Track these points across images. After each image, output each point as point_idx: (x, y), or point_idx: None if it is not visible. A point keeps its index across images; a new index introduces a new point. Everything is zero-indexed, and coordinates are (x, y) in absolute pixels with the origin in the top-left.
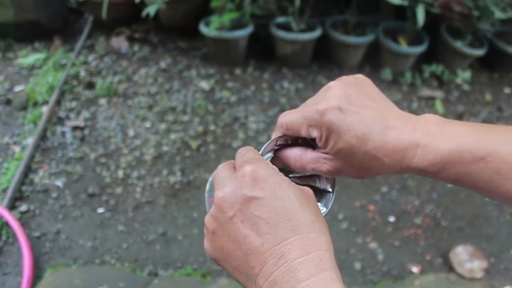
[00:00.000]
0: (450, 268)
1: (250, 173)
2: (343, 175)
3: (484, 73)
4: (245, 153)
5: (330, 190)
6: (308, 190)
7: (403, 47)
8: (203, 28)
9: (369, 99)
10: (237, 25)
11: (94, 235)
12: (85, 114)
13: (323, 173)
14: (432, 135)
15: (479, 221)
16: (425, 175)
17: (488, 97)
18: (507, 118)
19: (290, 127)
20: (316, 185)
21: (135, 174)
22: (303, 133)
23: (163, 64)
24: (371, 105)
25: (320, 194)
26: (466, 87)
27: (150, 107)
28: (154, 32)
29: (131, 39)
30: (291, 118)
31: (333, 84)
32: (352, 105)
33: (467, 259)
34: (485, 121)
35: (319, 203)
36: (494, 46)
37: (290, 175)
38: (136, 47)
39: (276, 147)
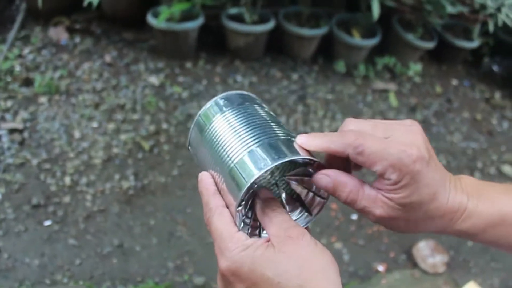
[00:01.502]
0: (414, 264)
1: (229, 271)
2: (387, 225)
3: (433, 65)
4: (210, 217)
5: (325, 197)
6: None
7: (357, 39)
8: (151, 19)
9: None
10: (187, 16)
11: (42, 252)
12: (24, 114)
13: (372, 216)
14: (475, 197)
15: None
16: (464, 237)
17: (438, 89)
18: (456, 110)
19: (367, 154)
20: (313, 190)
21: (84, 180)
22: (377, 168)
23: (108, 58)
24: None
25: (309, 200)
26: (417, 79)
27: (96, 105)
28: (97, 23)
29: (71, 30)
30: (375, 147)
31: (416, 128)
32: (432, 159)
33: (429, 254)
34: (437, 113)
35: (304, 213)
36: (443, 39)
37: (288, 174)
38: (77, 39)
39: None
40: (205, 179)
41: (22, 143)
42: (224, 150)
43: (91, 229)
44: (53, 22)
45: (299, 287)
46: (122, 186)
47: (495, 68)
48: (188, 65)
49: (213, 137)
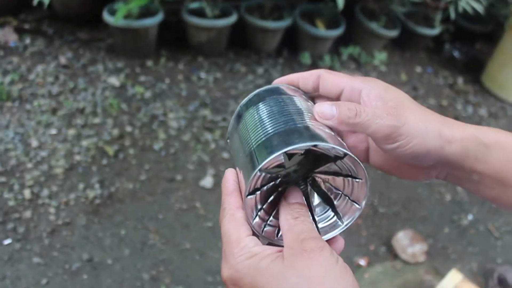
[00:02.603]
0: (394, 255)
1: (230, 280)
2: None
3: (397, 53)
4: (226, 213)
5: (360, 204)
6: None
7: (321, 30)
8: (107, 17)
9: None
10: (145, 12)
11: (3, 274)
12: None
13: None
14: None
15: (413, 204)
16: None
17: (404, 77)
18: (423, 97)
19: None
20: (345, 193)
21: (45, 192)
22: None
23: (63, 59)
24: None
25: (342, 206)
26: (382, 68)
27: (53, 111)
28: (48, 22)
29: (20, 31)
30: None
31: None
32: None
33: (408, 244)
34: None
35: (334, 220)
36: (405, 27)
37: (318, 171)
38: (27, 40)
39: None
40: (227, 175)
41: None
42: (249, 137)
43: (57, 244)
44: None
45: None
46: (87, 196)
47: (455, 54)
48: (149, 63)
49: (242, 127)
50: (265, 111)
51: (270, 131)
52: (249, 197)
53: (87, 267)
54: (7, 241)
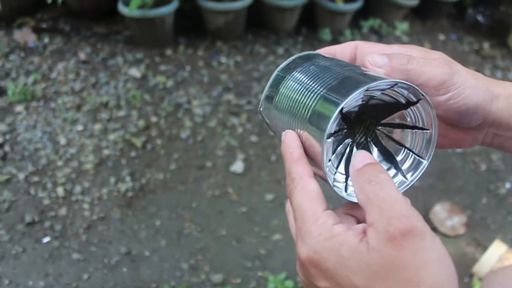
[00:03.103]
0: (433, 229)
1: (310, 262)
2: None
3: (418, 22)
4: (294, 177)
5: (424, 157)
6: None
7: (340, 4)
8: (122, 8)
9: None
10: (160, 1)
11: (45, 272)
12: (1, 127)
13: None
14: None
15: (447, 175)
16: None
17: (427, 45)
18: None
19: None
20: (409, 146)
21: (78, 188)
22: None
23: (82, 55)
24: None
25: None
26: (405, 38)
27: (78, 107)
28: (64, 19)
29: (38, 30)
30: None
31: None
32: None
33: (446, 217)
34: None
35: (397, 177)
36: None
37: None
38: (46, 39)
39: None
40: (289, 139)
41: (4, 157)
42: (308, 88)
43: (94, 239)
44: (16, 24)
45: None
46: (119, 189)
47: (479, 18)
48: (168, 52)
49: (291, 85)
50: (320, 64)
51: (339, 76)
52: (328, 140)
53: (126, 260)
54: (46, 239)
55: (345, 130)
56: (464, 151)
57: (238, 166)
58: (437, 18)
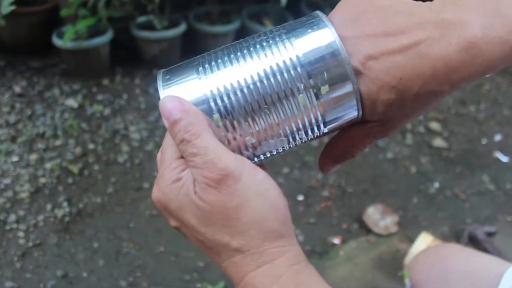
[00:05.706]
0: (367, 231)
1: (158, 203)
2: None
3: None
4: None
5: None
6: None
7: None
8: (56, 41)
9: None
10: (94, 32)
11: None
12: None
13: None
14: None
15: (380, 180)
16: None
17: None
18: None
19: None
20: None
21: (12, 217)
22: None
23: (17, 89)
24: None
25: None
26: None
27: (13, 139)
28: None
29: None
30: None
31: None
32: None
33: (379, 218)
34: None
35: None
36: None
37: None
38: None
39: None
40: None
41: None
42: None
43: (29, 266)
44: None
45: (241, 240)
46: (56, 215)
47: None
48: (105, 82)
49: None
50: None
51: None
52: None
53: (62, 283)
54: None
55: None
56: (395, 157)
57: None
58: None
